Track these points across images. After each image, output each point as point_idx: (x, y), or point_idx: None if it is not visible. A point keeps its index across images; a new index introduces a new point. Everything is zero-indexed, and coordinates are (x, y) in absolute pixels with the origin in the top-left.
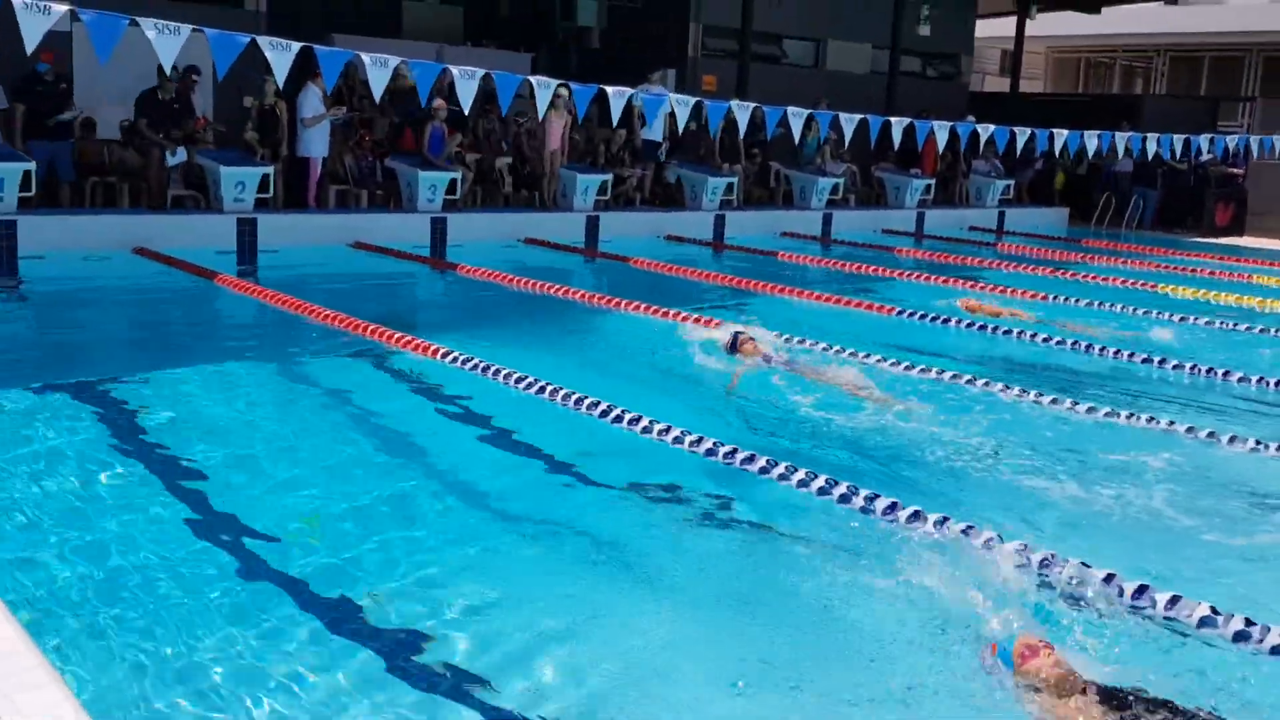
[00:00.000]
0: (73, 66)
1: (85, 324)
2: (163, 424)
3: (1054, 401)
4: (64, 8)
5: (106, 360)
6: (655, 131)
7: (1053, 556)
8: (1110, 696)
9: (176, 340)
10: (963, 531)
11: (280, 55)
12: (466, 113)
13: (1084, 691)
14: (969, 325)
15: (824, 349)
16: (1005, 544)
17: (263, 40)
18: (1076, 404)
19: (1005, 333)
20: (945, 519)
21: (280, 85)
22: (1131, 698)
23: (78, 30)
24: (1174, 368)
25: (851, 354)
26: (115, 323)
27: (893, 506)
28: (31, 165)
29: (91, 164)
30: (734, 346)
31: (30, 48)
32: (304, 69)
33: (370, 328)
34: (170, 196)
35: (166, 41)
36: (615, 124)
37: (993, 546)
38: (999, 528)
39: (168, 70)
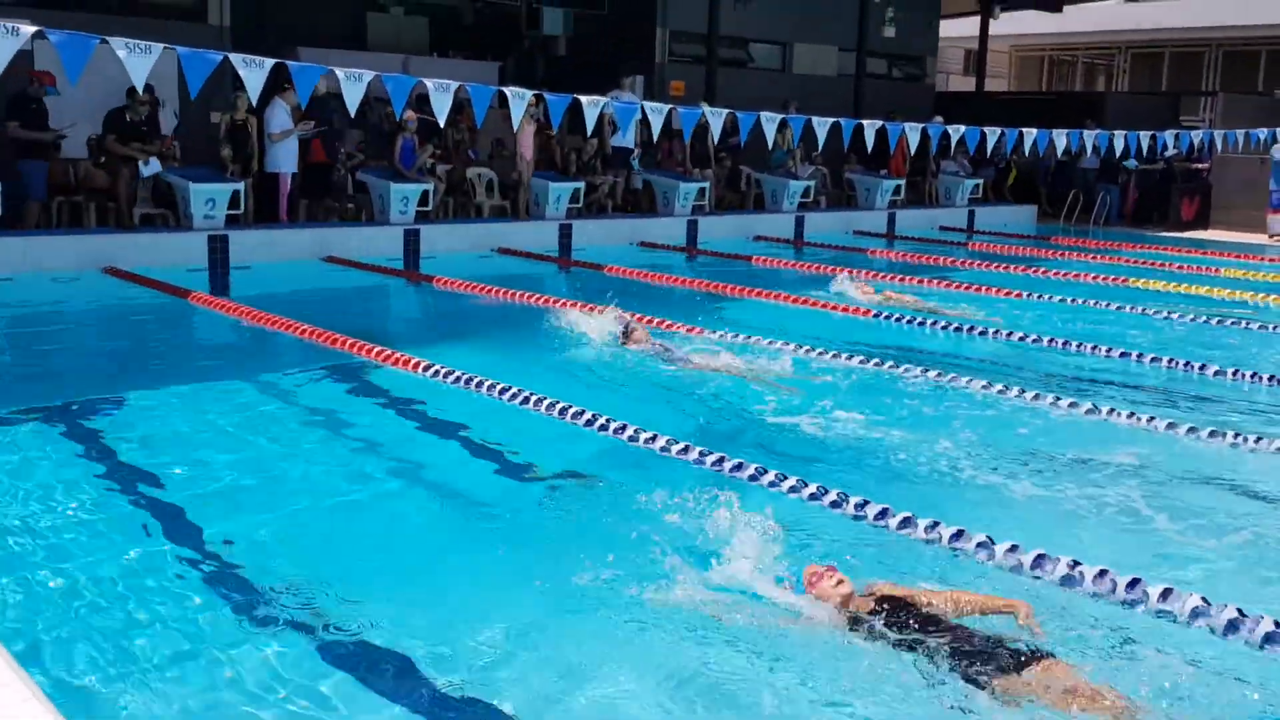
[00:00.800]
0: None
1: (57, 346)
2: (138, 445)
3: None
4: (32, 29)
5: (80, 382)
6: (627, 139)
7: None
8: (887, 600)
9: (151, 360)
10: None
11: (253, 72)
12: (442, 124)
13: (861, 601)
14: (943, 326)
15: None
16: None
17: (235, 57)
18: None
19: (980, 332)
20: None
21: (253, 102)
22: (905, 611)
23: (40, 48)
24: (1150, 361)
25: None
26: (87, 344)
27: (884, 513)
28: None
29: (58, 183)
30: (626, 335)
31: None
32: (271, 84)
33: (346, 341)
34: (139, 215)
35: (138, 61)
36: (589, 132)
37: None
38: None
39: (140, 89)
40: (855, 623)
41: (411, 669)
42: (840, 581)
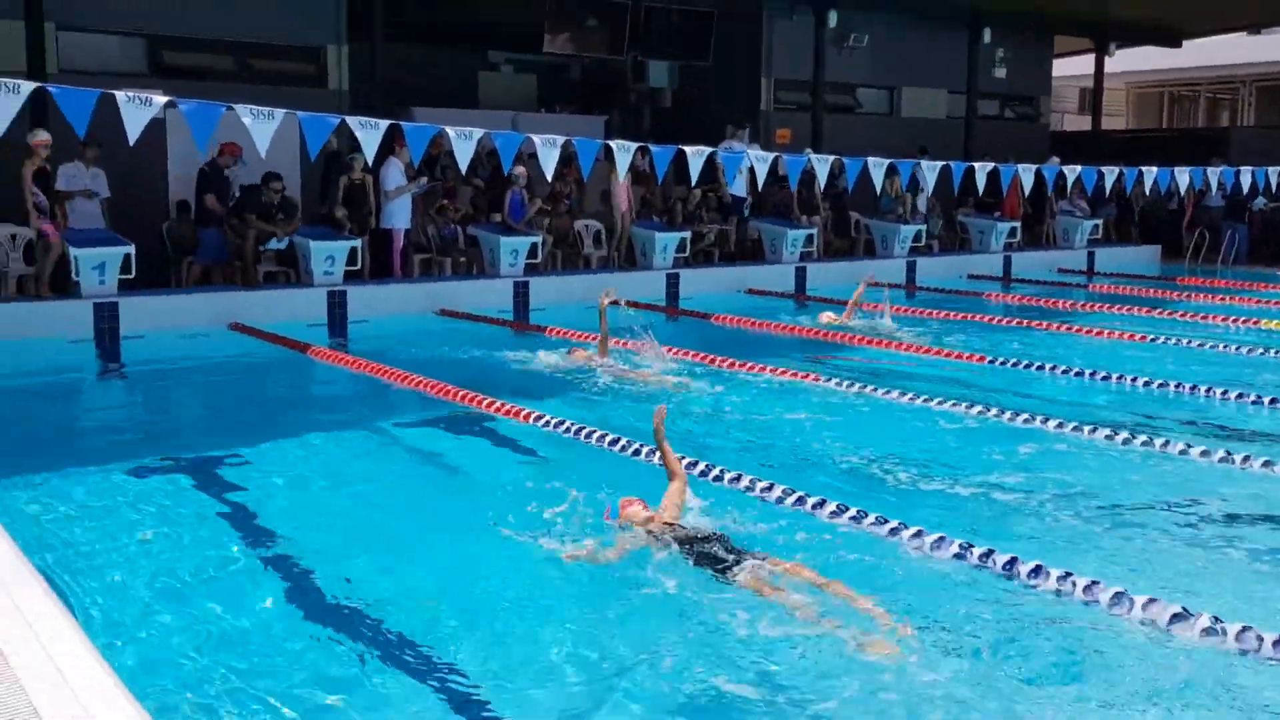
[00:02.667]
0: (167, 152)
1: (185, 400)
2: (264, 495)
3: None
4: (164, 99)
5: (208, 435)
6: (738, 187)
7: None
8: (676, 528)
9: (274, 413)
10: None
11: (369, 133)
12: (549, 178)
13: (664, 524)
14: (1063, 371)
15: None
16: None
17: (352, 120)
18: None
19: (1104, 377)
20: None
21: (369, 162)
22: (694, 532)
23: (172, 117)
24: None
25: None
26: (215, 398)
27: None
28: (131, 248)
29: (186, 245)
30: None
31: (133, 138)
32: (386, 143)
33: (461, 393)
34: (262, 273)
35: (261, 126)
36: (694, 182)
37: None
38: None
39: (263, 153)
40: (654, 538)
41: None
42: (645, 507)
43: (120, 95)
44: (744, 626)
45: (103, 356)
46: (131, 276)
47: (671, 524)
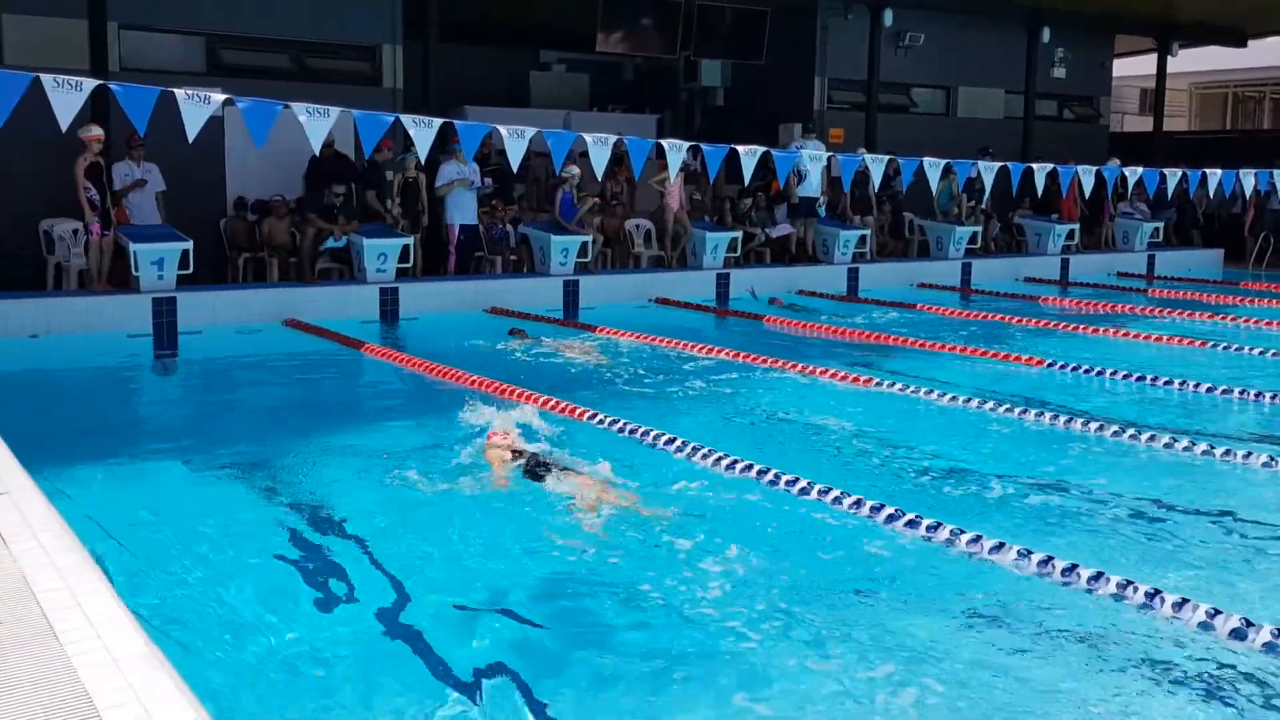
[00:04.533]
0: (225, 150)
1: (241, 395)
2: (319, 491)
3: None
4: (222, 96)
5: (263, 430)
6: (809, 187)
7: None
8: (522, 454)
9: (328, 408)
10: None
11: (422, 131)
12: (600, 177)
13: (514, 454)
14: (1121, 376)
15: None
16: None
17: (405, 118)
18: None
19: (1166, 382)
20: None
21: (422, 160)
22: (534, 455)
23: (229, 115)
24: None
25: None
26: (269, 393)
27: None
28: (189, 244)
29: (240, 242)
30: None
31: (191, 135)
32: (440, 142)
33: (513, 390)
34: (317, 269)
35: (317, 124)
36: (747, 182)
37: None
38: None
39: (317, 151)
40: (502, 464)
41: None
42: (505, 436)
43: (180, 93)
44: (553, 512)
45: (160, 350)
46: (189, 272)
47: (520, 451)
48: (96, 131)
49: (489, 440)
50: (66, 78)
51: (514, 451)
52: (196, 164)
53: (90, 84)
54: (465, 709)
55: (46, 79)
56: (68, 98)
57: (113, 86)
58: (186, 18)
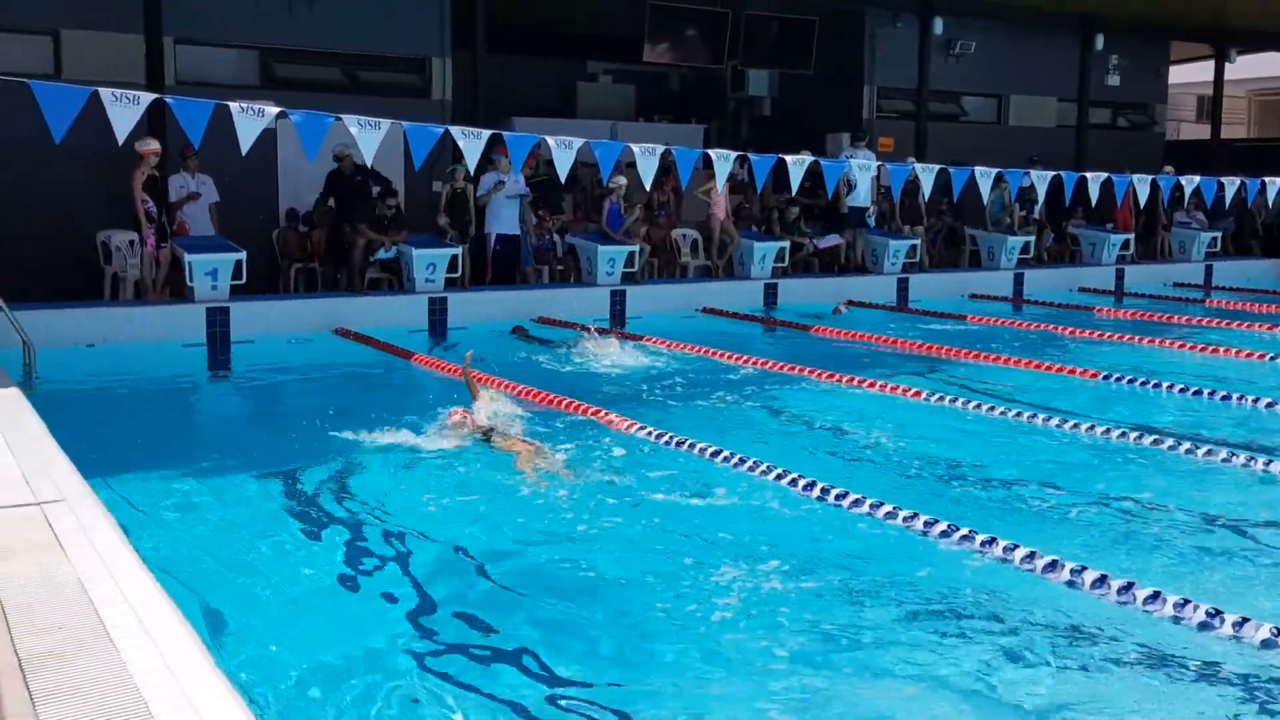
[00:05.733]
0: (278, 161)
1: (290, 405)
2: (373, 501)
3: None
4: (275, 109)
5: (313, 439)
6: (863, 197)
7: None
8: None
9: (377, 417)
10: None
11: (470, 143)
12: (648, 187)
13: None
14: (1180, 390)
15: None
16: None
17: (455, 130)
18: None
19: (1224, 396)
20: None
21: (470, 171)
22: (492, 428)
23: (281, 127)
24: None
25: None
26: (321, 401)
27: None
28: (242, 255)
29: (292, 253)
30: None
31: (245, 148)
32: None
33: (561, 400)
34: (367, 279)
35: (368, 136)
36: (795, 191)
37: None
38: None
39: (369, 163)
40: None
41: None
42: (464, 414)
43: (234, 106)
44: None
45: (214, 359)
46: (243, 282)
47: (480, 426)
48: (154, 145)
49: (450, 418)
50: (124, 92)
51: (482, 430)
52: (249, 176)
53: (147, 98)
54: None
55: (105, 93)
56: (125, 111)
57: (168, 100)
58: (240, 32)
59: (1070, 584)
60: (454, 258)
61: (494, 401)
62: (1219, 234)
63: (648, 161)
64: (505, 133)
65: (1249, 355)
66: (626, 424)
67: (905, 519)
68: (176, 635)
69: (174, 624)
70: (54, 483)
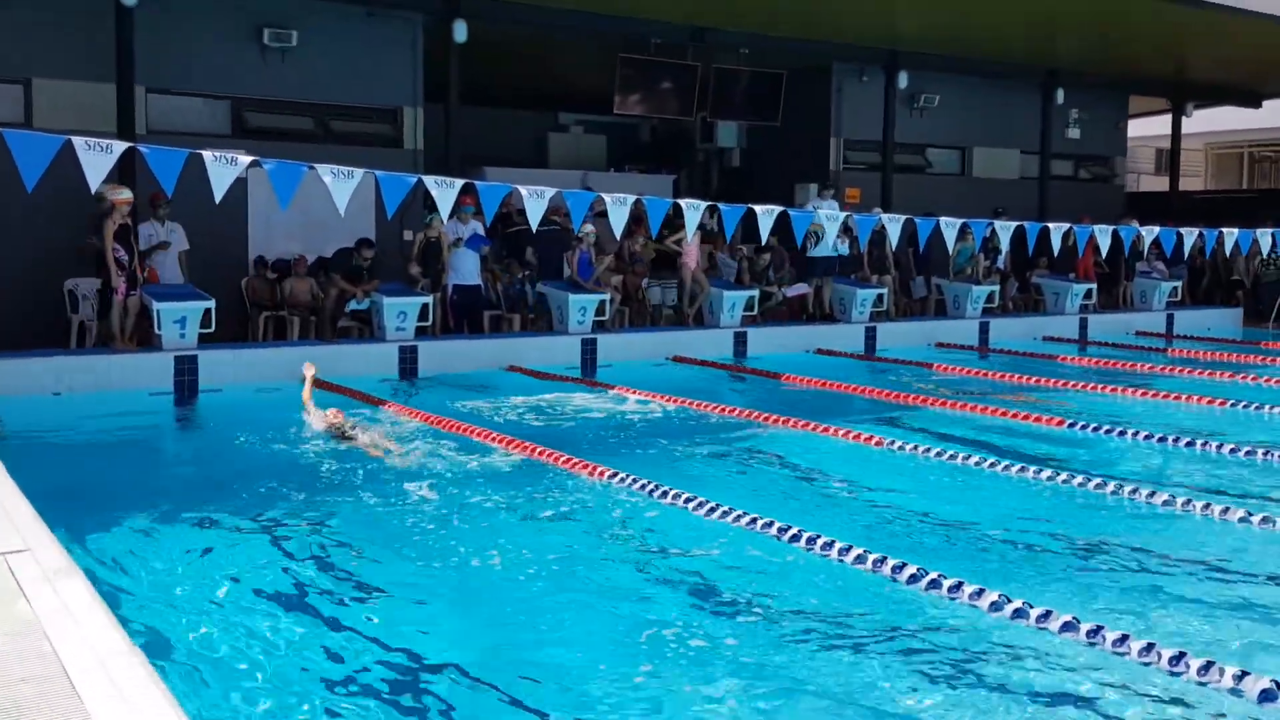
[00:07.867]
0: (248, 209)
1: (258, 454)
2: (335, 547)
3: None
4: (248, 158)
5: (281, 486)
6: (828, 247)
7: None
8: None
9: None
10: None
11: (444, 192)
12: (618, 236)
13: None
14: (1144, 436)
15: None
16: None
17: (428, 179)
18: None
19: (1188, 443)
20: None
21: (445, 219)
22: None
23: (253, 176)
24: None
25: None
26: (287, 452)
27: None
28: (211, 303)
29: (261, 300)
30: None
31: (219, 196)
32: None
33: (534, 448)
34: (337, 327)
35: (341, 185)
36: (764, 241)
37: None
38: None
39: (342, 211)
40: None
41: None
42: (333, 415)
43: (207, 155)
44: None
45: (181, 408)
46: (211, 330)
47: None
48: (127, 194)
49: (328, 415)
50: (97, 140)
51: (342, 430)
52: (219, 223)
53: (120, 146)
54: None
55: (78, 141)
56: (98, 159)
57: (142, 149)
58: (213, 82)
59: (1040, 628)
60: (425, 306)
61: (333, 419)
62: (1179, 284)
63: (618, 210)
64: (478, 182)
65: (1210, 402)
66: (589, 468)
67: (874, 563)
68: (144, 687)
69: (142, 676)
70: (18, 531)
